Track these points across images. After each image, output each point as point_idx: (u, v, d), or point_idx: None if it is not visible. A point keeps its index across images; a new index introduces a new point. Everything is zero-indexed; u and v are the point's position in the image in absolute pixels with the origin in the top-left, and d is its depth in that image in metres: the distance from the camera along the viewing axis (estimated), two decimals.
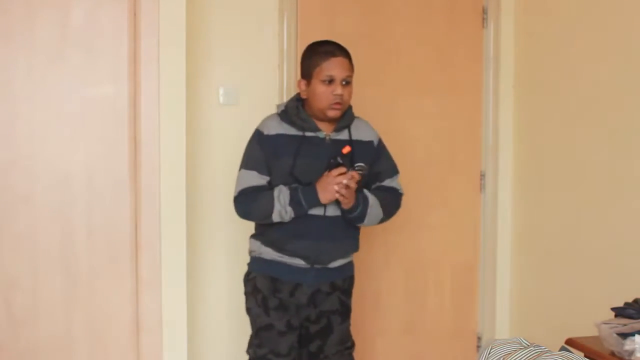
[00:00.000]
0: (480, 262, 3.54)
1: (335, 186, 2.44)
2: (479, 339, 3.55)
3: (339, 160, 2.46)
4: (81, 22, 2.60)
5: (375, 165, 2.62)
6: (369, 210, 2.54)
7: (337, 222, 2.55)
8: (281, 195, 2.47)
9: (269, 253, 2.57)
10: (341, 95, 2.48)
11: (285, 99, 3.03)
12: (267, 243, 2.57)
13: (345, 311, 2.66)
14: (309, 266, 2.54)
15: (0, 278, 2.58)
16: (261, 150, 2.51)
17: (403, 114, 3.34)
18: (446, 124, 3.44)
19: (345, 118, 2.57)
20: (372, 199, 2.56)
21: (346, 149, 2.49)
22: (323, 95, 2.48)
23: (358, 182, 2.50)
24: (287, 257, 2.54)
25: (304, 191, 2.47)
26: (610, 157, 2.84)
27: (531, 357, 1.54)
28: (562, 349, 1.90)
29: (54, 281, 2.63)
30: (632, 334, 2.07)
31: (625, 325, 2.14)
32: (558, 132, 3.16)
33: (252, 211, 2.53)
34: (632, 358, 2.02)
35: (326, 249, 2.56)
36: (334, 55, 2.50)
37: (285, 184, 2.49)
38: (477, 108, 3.49)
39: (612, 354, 2.10)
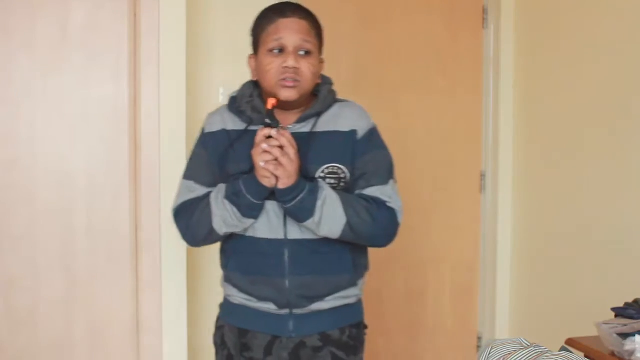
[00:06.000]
0: (481, 262, 3.54)
1: (259, 157, 1.70)
2: (479, 339, 3.55)
3: (267, 121, 1.73)
4: (81, 22, 2.60)
5: (356, 165, 1.84)
6: (319, 204, 1.74)
7: (310, 247, 1.81)
8: (219, 193, 1.80)
9: (235, 295, 1.90)
10: (295, 69, 1.75)
11: None
12: (231, 280, 1.91)
13: None
14: (286, 312, 1.84)
15: (0, 278, 2.58)
16: (204, 153, 1.89)
17: (403, 114, 3.34)
18: (446, 124, 3.44)
19: (317, 104, 1.84)
20: (329, 192, 1.76)
21: (271, 102, 1.75)
22: (270, 69, 1.78)
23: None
24: (255, 300, 1.86)
25: (245, 177, 1.77)
26: (610, 156, 2.84)
27: (531, 357, 1.54)
28: (562, 349, 1.90)
29: (54, 281, 2.63)
30: (632, 334, 2.07)
31: (625, 325, 2.13)
32: (558, 132, 3.16)
33: (192, 227, 1.85)
34: (632, 358, 2.02)
35: (297, 287, 1.82)
36: (283, 15, 1.79)
37: None
38: (477, 108, 3.49)
39: (612, 354, 2.10)
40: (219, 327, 1.98)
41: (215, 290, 3.08)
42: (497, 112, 3.48)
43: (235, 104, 1.88)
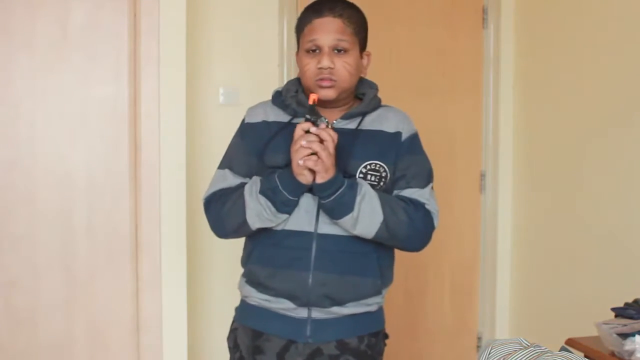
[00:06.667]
0: (481, 262, 3.54)
1: (296, 154, 1.70)
2: (479, 339, 3.55)
3: (307, 117, 1.72)
4: (81, 22, 2.60)
5: (397, 166, 1.84)
6: (358, 199, 1.72)
7: (339, 243, 1.78)
8: (253, 186, 1.77)
9: (253, 296, 1.85)
10: (329, 69, 1.76)
11: None
12: (249, 279, 1.86)
13: None
14: (304, 316, 1.79)
15: (0, 278, 2.58)
16: (242, 143, 1.88)
17: None
18: (446, 124, 3.44)
19: (363, 104, 1.86)
20: (367, 188, 1.75)
21: (312, 98, 1.75)
22: (307, 70, 1.79)
23: (342, 149, 1.75)
24: (272, 299, 1.81)
25: (280, 172, 1.75)
26: (610, 156, 2.84)
27: (531, 357, 1.53)
28: (562, 349, 1.90)
29: (54, 281, 2.63)
30: (632, 334, 2.07)
31: (625, 325, 2.13)
32: (558, 132, 3.16)
33: (223, 217, 1.83)
34: (632, 358, 2.02)
35: (320, 284, 1.77)
36: (319, 15, 1.79)
37: None
38: (477, 108, 3.49)
39: (612, 354, 2.10)
40: (233, 330, 1.93)
41: (215, 290, 3.09)
42: (497, 112, 3.48)
43: (280, 98, 1.88)
